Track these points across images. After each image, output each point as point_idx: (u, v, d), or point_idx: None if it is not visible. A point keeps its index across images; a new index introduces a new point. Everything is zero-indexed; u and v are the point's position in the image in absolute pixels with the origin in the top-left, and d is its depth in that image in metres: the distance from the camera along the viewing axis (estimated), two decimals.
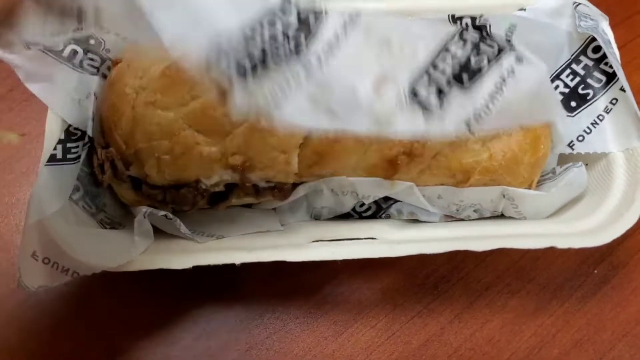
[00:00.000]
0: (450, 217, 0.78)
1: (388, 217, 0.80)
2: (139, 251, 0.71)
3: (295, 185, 0.75)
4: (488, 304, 0.86)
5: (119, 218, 0.81)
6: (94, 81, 0.79)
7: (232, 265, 0.72)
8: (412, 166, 0.71)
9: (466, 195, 0.74)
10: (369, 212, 0.79)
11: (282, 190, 0.75)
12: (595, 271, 0.87)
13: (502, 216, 0.80)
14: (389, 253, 0.72)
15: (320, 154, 0.70)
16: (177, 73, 0.68)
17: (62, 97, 0.75)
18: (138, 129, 0.70)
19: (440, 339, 0.84)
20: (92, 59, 0.80)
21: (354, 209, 0.79)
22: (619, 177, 0.77)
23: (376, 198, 0.74)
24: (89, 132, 0.77)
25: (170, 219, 0.73)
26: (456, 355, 0.83)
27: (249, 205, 0.81)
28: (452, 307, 0.85)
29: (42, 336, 0.82)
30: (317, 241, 0.74)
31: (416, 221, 0.80)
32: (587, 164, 0.79)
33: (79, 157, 0.75)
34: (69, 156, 0.74)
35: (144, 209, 0.74)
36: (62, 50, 0.76)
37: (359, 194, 0.73)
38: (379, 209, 0.79)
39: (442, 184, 0.74)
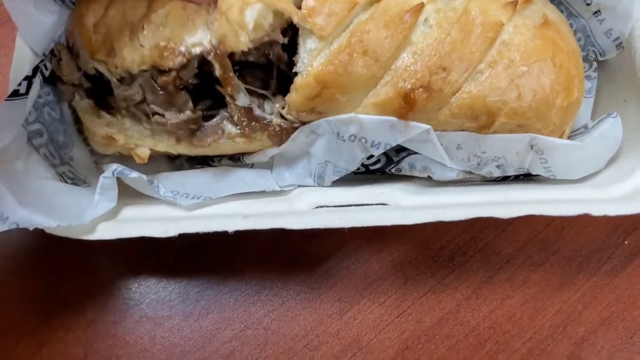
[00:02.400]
0: (470, 174, 0.71)
1: (399, 171, 0.72)
2: (99, 212, 0.64)
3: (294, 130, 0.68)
4: (508, 278, 0.79)
5: (85, 175, 0.73)
6: None
7: (224, 234, 0.64)
8: (430, 103, 0.64)
9: (489, 145, 0.67)
10: (378, 165, 0.72)
11: (279, 129, 0.67)
12: (626, 242, 0.81)
13: (527, 176, 0.72)
14: (402, 220, 0.65)
15: (324, 83, 0.62)
16: None
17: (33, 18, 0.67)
18: (112, 4, 0.64)
19: (456, 316, 0.76)
20: None
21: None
22: None
23: (387, 147, 0.66)
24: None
25: (147, 180, 0.66)
26: (473, 334, 0.76)
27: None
28: (469, 281, 0.78)
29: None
30: (321, 207, 0.67)
31: (431, 181, 0.72)
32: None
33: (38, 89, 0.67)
34: (31, 92, 0.65)
35: (114, 166, 0.66)
36: None
37: (367, 139, 0.65)
38: (389, 162, 0.72)
39: (462, 129, 0.66)
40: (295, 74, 0.65)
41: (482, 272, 0.78)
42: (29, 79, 0.65)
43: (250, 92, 0.67)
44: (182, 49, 0.62)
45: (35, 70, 0.67)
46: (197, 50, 0.62)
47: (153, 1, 0.63)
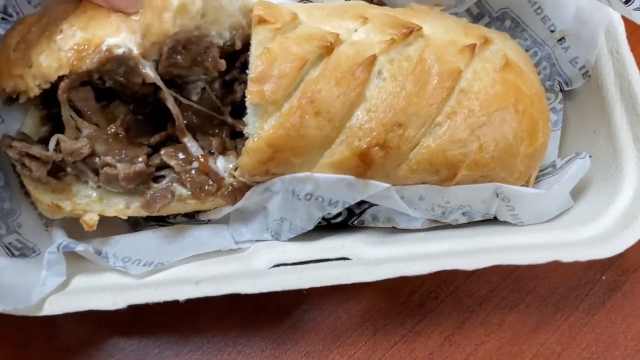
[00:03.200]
0: (435, 222, 0.69)
1: (362, 223, 0.70)
2: (47, 290, 0.62)
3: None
4: (482, 321, 0.77)
5: (34, 242, 0.71)
6: None
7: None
8: (387, 161, 0.62)
9: (453, 195, 0.65)
10: (340, 219, 0.70)
11: (232, 189, 0.65)
12: (603, 277, 0.80)
13: (494, 219, 0.71)
14: (365, 277, 0.63)
15: (276, 147, 0.61)
16: None
17: None
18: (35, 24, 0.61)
19: None
20: None
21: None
22: (629, 172, 0.69)
23: (346, 205, 0.65)
24: None
25: (94, 252, 0.64)
26: None
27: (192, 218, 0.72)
28: (442, 327, 0.77)
29: None
30: (279, 265, 0.65)
31: (395, 228, 0.70)
32: (591, 156, 0.70)
33: None
34: None
35: (59, 240, 0.65)
36: None
37: (324, 198, 0.63)
38: (351, 215, 0.70)
39: (424, 182, 0.64)
40: (243, 135, 0.63)
41: (454, 317, 0.77)
42: None
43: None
44: (103, 47, 0.59)
45: None
46: (119, 50, 0.59)
47: (77, 9, 0.60)
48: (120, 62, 0.60)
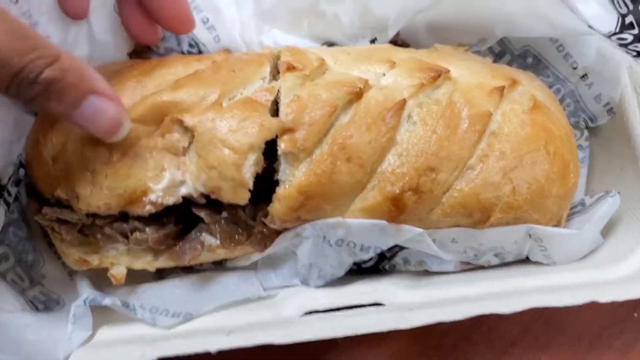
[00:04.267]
0: (467, 264, 0.69)
1: (393, 267, 0.70)
2: (73, 346, 0.62)
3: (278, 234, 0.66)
4: None
5: (58, 293, 0.71)
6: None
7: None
8: (420, 205, 0.63)
9: (486, 238, 0.66)
10: (370, 263, 0.70)
11: (261, 237, 0.65)
12: (636, 314, 0.80)
13: (526, 259, 0.71)
14: (399, 324, 0.63)
15: (307, 194, 0.61)
16: None
17: None
18: (70, 138, 0.62)
19: None
20: None
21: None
22: None
23: (378, 251, 0.65)
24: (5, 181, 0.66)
25: (121, 305, 0.64)
26: None
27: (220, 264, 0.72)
28: None
29: None
30: (310, 313, 0.65)
31: (426, 271, 0.71)
32: (619, 192, 0.71)
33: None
34: None
35: (85, 293, 0.65)
36: None
37: (356, 244, 0.64)
38: (382, 258, 0.71)
39: (457, 226, 0.65)
40: (277, 182, 0.63)
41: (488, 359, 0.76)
42: None
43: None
44: (153, 197, 0.60)
45: None
46: (169, 200, 0.61)
47: (113, 146, 0.61)
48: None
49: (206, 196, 0.62)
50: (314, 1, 0.74)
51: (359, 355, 0.77)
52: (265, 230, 0.65)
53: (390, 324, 0.63)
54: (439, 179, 0.62)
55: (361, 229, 0.63)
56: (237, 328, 0.63)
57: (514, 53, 0.80)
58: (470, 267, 0.70)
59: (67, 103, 0.54)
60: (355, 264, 0.70)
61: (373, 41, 0.75)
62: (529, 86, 0.69)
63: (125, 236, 0.65)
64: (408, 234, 0.63)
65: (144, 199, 0.61)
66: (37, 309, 0.67)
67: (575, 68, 0.78)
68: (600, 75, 0.76)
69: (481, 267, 0.71)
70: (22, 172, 0.68)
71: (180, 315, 0.65)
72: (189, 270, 0.74)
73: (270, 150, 0.63)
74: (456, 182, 0.63)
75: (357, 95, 0.63)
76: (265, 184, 0.64)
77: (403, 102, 0.62)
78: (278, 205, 0.62)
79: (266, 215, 0.65)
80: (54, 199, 0.63)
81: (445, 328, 0.76)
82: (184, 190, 0.61)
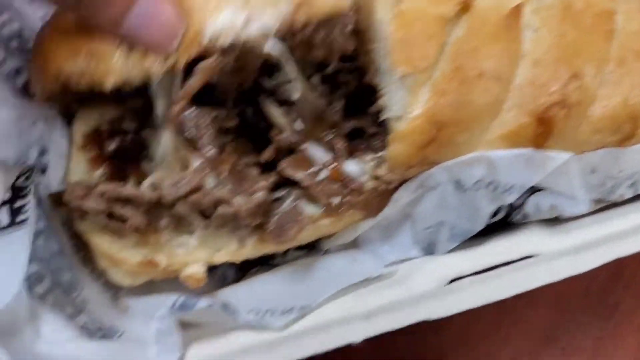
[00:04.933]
0: (600, 202, 0.59)
1: (525, 217, 0.59)
2: None
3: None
4: None
5: (109, 321, 0.55)
6: None
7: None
8: (569, 121, 0.52)
9: (629, 160, 0.56)
10: (499, 216, 0.58)
11: (374, 195, 0.52)
12: None
13: None
14: (554, 276, 0.53)
15: (439, 122, 0.50)
16: None
17: None
18: None
19: None
20: None
21: None
22: None
23: (522, 191, 0.53)
24: (32, 162, 0.54)
25: (220, 308, 0.50)
26: None
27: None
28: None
29: None
30: (456, 280, 0.52)
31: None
32: None
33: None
34: (19, 218, 0.49)
35: (169, 299, 0.50)
36: None
37: (499, 183, 0.52)
38: (510, 209, 0.58)
39: (602, 147, 0.55)
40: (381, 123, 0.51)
41: None
42: (9, 203, 0.49)
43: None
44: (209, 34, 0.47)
45: (16, 190, 0.50)
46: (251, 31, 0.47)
47: None
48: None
49: None
50: None
51: None
52: (380, 185, 0.53)
53: (544, 277, 0.53)
54: (584, 87, 0.52)
55: (505, 162, 0.52)
56: (373, 312, 0.50)
57: None
58: (602, 205, 0.60)
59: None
60: None
61: None
62: None
63: (204, 214, 0.51)
64: (556, 161, 0.52)
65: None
66: (93, 336, 0.51)
67: None
68: None
69: (613, 205, 0.61)
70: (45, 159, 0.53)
71: (293, 311, 0.51)
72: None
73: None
74: (599, 90, 0.53)
75: (466, 5, 0.52)
76: None
77: (520, 7, 0.53)
78: (400, 147, 0.50)
79: (379, 166, 0.52)
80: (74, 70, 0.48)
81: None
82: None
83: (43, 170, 0.54)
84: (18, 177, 0.52)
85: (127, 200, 0.50)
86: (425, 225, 0.56)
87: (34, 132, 0.55)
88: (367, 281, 0.54)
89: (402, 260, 0.57)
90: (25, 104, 0.56)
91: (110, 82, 0.47)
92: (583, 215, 0.60)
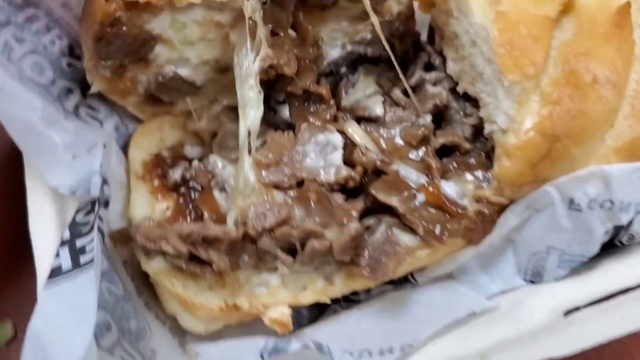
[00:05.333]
0: None
1: (631, 238, 0.52)
2: None
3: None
4: None
5: None
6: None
7: None
8: None
9: None
10: (607, 237, 0.52)
11: (480, 220, 0.47)
12: None
13: None
14: None
15: (553, 135, 0.45)
16: None
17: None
18: None
19: None
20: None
21: None
22: None
23: (639, 208, 0.47)
24: (95, 193, 0.48)
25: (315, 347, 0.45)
26: None
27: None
28: None
29: None
30: (572, 311, 0.47)
31: None
32: None
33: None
34: (83, 259, 0.44)
35: (256, 343, 0.46)
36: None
37: (614, 201, 0.46)
38: (617, 229, 0.52)
39: None
40: (483, 138, 0.46)
41: None
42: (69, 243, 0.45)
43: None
44: None
45: (76, 227, 0.44)
46: None
47: None
48: None
49: None
50: None
51: None
52: (484, 209, 0.47)
53: None
54: None
55: (622, 177, 0.46)
56: (488, 351, 0.44)
57: None
58: None
59: None
60: None
61: None
62: None
63: (289, 250, 0.45)
64: None
65: None
66: None
67: None
68: None
69: None
70: (107, 190, 0.48)
71: (393, 350, 0.46)
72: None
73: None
74: None
75: (568, 4, 0.47)
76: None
77: (629, 4, 0.48)
78: (511, 164, 0.45)
79: (483, 186, 0.47)
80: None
81: None
82: None
83: (105, 204, 0.49)
84: (77, 211, 0.47)
85: (211, 241, 0.44)
86: (532, 251, 0.50)
87: (89, 158, 0.50)
88: (473, 314, 0.48)
89: (505, 291, 0.51)
90: (79, 127, 0.52)
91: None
92: None
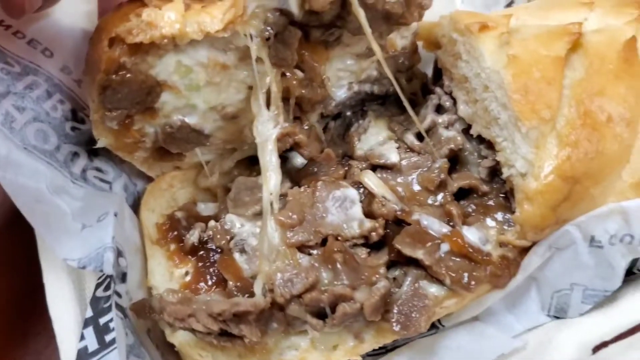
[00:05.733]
0: None
1: None
2: None
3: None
4: None
5: None
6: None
7: None
8: None
9: None
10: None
11: (504, 265, 0.47)
12: None
13: None
14: None
15: (574, 178, 0.45)
16: None
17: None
18: None
19: None
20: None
21: None
22: None
23: None
24: (109, 271, 0.46)
25: None
26: None
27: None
28: None
29: None
30: (600, 347, 0.47)
31: None
32: None
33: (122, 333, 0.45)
34: (108, 337, 0.44)
35: None
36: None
37: (634, 235, 0.47)
38: (634, 261, 0.53)
39: None
40: (500, 180, 0.47)
41: None
42: (92, 321, 0.44)
43: None
44: None
45: (97, 303, 0.44)
46: None
47: None
48: None
49: None
50: None
51: None
52: (509, 253, 0.47)
53: None
54: None
55: None
56: None
57: None
58: None
59: None
60: None
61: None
62: None
63: (319, 314, 0.45)
64: None
65: None
66: None
67: None
68: None
69: None
70: (122, 262, 0.47)
71: None
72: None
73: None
74: None
75: (576, 43, 0.48)
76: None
77: (634, 39, 0.49)
78: (532, 208, 0.46)
79: (505, 231, 0.47)
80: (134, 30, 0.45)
81: None
82: None
83: (122, 277, 0.47)
84: (97, 287, 0.46)
85: (241, 314, 0.43)
86: (555, 288, 0.50)
87: (99, 230, 0.48)
88: (502, 356, 0.48)
89: (530, 329, 0.52)
90: (88, 193, 0.51)
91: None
92: None
